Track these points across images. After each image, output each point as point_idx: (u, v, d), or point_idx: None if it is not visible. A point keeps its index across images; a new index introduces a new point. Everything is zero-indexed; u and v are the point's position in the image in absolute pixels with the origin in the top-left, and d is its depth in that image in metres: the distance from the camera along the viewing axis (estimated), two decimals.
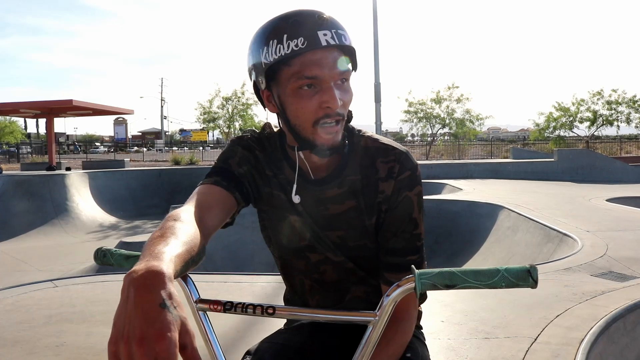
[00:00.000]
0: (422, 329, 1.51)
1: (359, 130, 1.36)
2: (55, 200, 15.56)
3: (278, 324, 1.56)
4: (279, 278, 5.94)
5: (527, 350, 3.23)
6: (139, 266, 0.79)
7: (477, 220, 10.01)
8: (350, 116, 1.27)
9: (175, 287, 0.79)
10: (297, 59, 1.15)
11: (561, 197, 12.12)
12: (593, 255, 5.76)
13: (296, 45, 1.12)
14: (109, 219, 16.57)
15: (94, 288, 5.05)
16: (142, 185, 19.11)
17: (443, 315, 3.92)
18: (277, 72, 1.19)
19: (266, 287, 5.00)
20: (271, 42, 1.15)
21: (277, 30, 1.15)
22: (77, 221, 15.32)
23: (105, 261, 1.29)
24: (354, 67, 1.23)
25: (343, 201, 1.31)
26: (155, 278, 0.76)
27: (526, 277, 0.95)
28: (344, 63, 1.17)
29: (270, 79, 1.21)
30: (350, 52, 1.20)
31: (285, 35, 1.13)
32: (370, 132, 1.36)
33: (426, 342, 1.49)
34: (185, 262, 0.91)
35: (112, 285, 5.15)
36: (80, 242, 13.09)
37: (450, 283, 0.98)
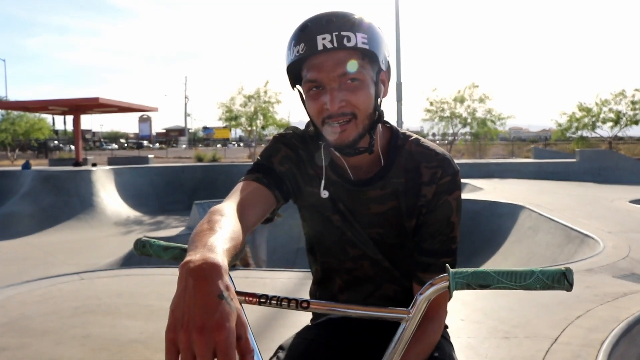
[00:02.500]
0: (447, 327, 1.52)
1: (404, 133, 1.38)
2: (82, 195, 15.81)
3: (303, 319, 1.59)
4: (299, 274, 5.96)
5: (547, 351, 3.22)
6: (194, 257, 0.80)
7: (498, 220, 9.94)
8: (380, 115, 1.27)
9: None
10: (305, 63, 1.20)
11: (583, 197, 11.96)
12: (615, 257, 5.70)
13: (298, 51, 1.17)
14: (133, 214, 16.79)
15: (118, 281, 5.15)
16: (165, 182, 19.31)
17: (462, 313, 3.93)
18: (300, 75, 1.24)
19: (287, 282, 5.05)
20: (289, 47, 1.22)
21: (293, 36, 1.21)
22: (102, 216, 15.57)
23: (144, 251, 1.31)
24: (377, 67, 1.23)
25: (385, 202, 1.34)
26: (213, 269, 0.78)
27: (561, 280, 0.95)
28: (344, 65, 1.17)
29: (298, 79, 1.27)
30: (363, 53, 1.18)
31: (293, 42, 1.19)
32: (415, 135, 1.38)
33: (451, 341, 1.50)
34: (232, 256, 0.94)
35: (136, 279, 5.26)
36: (105, 237, 13.30)
37: (484, 283, 0.98)
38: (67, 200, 15.46)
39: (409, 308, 1.04)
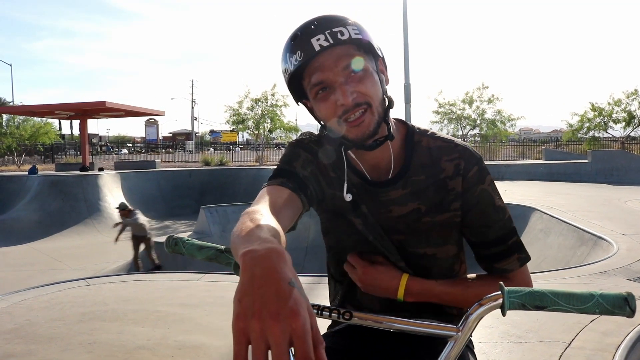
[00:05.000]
0: (471, 336, 1.48)
1: (419, 129, 1.37)
2: (89, 200, 15.88)
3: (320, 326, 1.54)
4: (308, 279, 5.85)
5: (560, 355, 3.17)
6: (255, 246, 0.78)
7: None
8: (390, 101, 1.27)
9: None
10: (306, 70, 1.21)
11: (595, 199, 11.87)
12: (629, 259, 5.62)
13: (295, 60, 1.18)
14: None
15: (126, 287, 5.12)
16: (172, 186, 19.36)
17: None
18: (303, 85, 1.25)
19: None
20: (283, 60, 1.23)
21: (285, 48, 1.22)
22: (110, 221, 15.58)
23: (176, 250, 1.28)
24: (373, 55, 1.24)
25: (406, 203, 1.32)
26: (280, 258, 0.75)
27: (623, 305, 0.90)
28: (345, 59, 1.18)
29: (301, 93, 1.28)
30: (358, 44, 1.19)
31: (288, 53, 1.20)
32: (430, 130, 1.37)
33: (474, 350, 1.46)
34: None
35: (144, 284, 5.22)
36: (112, 242, 13.30)
37: (540, 304, 0.93)
38: (74, 205, 15.53)
39: (458, 325, 1.00)
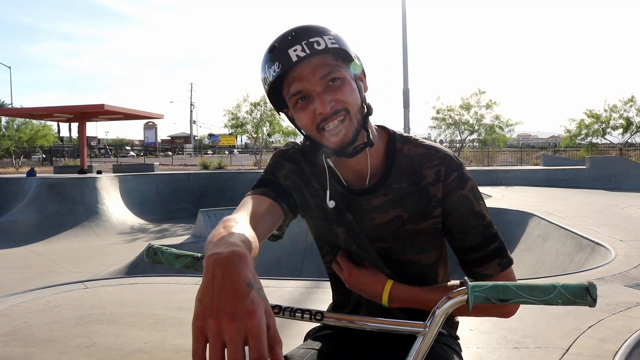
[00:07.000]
0: (458, 339, 1.49)
1: (401, 135, 1.38)
2: (87, 203, 15.86)
3: (307, 328, 1.55)
4: (306, 283, 5.83)
5: None
6: (219, 249, 0.80)
7: (506, 228, 9.86)
8: (369, 108, 1.28)
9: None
10: (284, 81, 1.24)
11: (593, 205, 11.88)
12: (627, 265, 5.62)
13: (274, 71, 1.21)
14: (138, 221, 16.81)
15: (123, 290, 5.11)
16: (171, 189, 19.35)
17: (471, 323, 3.86)
18: (282, 94, 1.28)
19: (293, 292, 4.99)
20: (263, 71, 1.26)
21: (264, 59, 1.25)
22: (107, 224, 15.59)
23: (156, 259, 1.31)
24: (351, 64, 1.26)
25: (387, 210, 1.33)
26: (240, 260, 0.78)
27: (584, 295, 0.92)
28: (321, 69, 1.20)
29: (281, 102, 1.30)
30: (335, 53, 1.22)
31: (267, 64, 1.23)
32: (413, 136, 1.38)
33: (462, 355, 1.46)
34: (252, 257, 0.92)
35: (141, 287, 5.21)
36: (110, 245, 13.31)
37: (504, 297, 0.95)
38: (72, 207, 15.51)
39: (426, 321, 1.02)
